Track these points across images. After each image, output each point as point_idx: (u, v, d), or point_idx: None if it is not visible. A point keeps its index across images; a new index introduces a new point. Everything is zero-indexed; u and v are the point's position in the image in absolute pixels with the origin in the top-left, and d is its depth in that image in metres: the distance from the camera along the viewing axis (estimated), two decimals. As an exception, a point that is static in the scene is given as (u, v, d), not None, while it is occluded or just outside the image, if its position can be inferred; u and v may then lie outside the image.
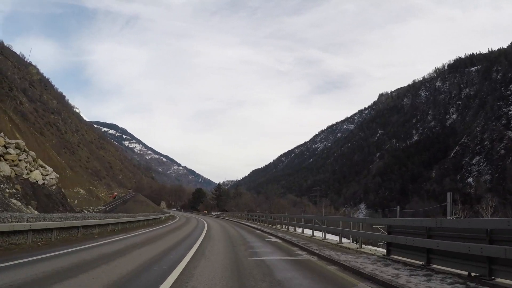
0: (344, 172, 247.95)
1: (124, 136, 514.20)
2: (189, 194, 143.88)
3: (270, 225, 40.16)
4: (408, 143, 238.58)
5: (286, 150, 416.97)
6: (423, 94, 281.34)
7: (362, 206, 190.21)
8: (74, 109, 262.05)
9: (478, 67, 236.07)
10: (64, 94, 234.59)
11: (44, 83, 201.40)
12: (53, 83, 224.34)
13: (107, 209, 44.79)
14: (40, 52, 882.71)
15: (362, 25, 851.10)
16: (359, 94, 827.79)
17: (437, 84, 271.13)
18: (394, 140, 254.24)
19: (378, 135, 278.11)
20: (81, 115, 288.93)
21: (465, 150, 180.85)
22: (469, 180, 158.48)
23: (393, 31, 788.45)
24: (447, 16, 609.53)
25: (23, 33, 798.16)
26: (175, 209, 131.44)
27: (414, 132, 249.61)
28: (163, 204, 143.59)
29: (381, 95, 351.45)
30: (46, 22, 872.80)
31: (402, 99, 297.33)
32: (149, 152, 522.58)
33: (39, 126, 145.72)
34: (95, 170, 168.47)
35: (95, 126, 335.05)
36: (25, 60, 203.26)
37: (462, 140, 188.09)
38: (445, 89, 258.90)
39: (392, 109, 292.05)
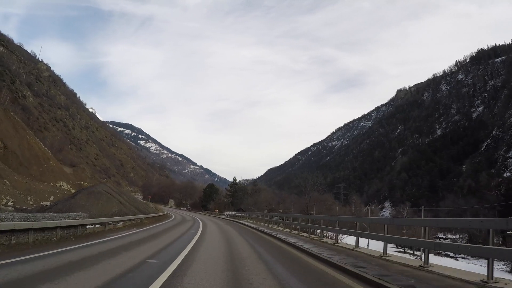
0: (365, 169, 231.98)
1: (140, 136, 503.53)
2: (201, 191, 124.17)
3: (297, 232, 26.45)
4: (431, 137, 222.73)
5: (302, 149, 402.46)
6: (444, 88, 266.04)
7: (387, 204, 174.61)
8: (90, 109, 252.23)
9: (504, 57, 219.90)
10: (75, 91, 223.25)
11: (54, 80, 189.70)
12: (64, 81, 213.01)
13: (44, 205, 30.63)
14: (56, 54, 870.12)
15: (377, 23, 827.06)
16: (375, 92, 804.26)
17: (459, 77, 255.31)
18: (417, 135, 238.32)
19: (399, 130, 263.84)
20: (97, 115, 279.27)
21: (497, 143, 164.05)
22: (506, 174, 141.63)
23: (408, 28, 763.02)
24: (463, 11, 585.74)
25: (39, 35, 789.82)
26: (185, 208, 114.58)
27: (437, 126, 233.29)
28: (171, 202, 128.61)
29: (399, 91, 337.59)
30: (61, 25, 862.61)
31: (422, 94, 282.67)
32: (165, 151, 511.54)
33: (44, 121, 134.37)
34: (104, 167, 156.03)
35: (111, 126, 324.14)
36: (37, 58, 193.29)
37: (494, 133, 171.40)
38: (468, 82, 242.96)
39: (412, 104, 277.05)
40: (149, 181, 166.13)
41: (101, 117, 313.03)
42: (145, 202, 62.74)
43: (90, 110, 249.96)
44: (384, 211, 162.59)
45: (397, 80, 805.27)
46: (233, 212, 68.94)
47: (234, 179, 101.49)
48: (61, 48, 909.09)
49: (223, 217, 66.69)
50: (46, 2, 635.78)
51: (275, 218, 39.32)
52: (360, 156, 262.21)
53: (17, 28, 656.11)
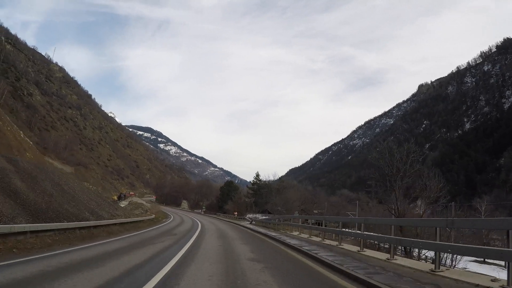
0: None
1: (159, 139, 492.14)
2: (218, 191, 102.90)
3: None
4: (460, 131, 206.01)
5: (323, 148, 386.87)
6: (469, 81, 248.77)
7: (419, 202, 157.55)
8: (109, 114, 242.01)
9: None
10: (92, 94, 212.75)
11: (67, 81, 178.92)
12: (79, 82, 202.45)
13: None
14: (74, 60, 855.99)
15: (394, 20, 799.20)
16: (394, 89, 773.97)
17: (485, 68, 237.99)
18: (444, 130, 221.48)
19: (424, 125, 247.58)
20: (116, 119, 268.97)
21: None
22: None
23: (425, 24, 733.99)
24: (480, 6, 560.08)
25: (57, 41, 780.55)
26: (200, 210, 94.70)
27: (465, 119, 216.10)
28: (184, 204, 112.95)
29: (421, 86, 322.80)
30: (79, 31, 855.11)
31: (446, 88, 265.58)
32: (185, 154, 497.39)
33: (51, 119, 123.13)
34: (117, 168, 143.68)
35: (130, 129, 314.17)
36: (50, 60, 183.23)
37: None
38: (496, 72, 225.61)
39: (436, 99, 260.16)
40: (162, 182, 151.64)
41: (120, 120, 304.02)
42: (143, 202, 49.13)
43: (109, 114, 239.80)
44: (416, 211, 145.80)
45: (416, 77, 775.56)
46: (261, 216, 51.96)
47: (257, 175, 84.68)
48: (80, 53, 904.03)
49: (246, 223, 45.05)
50: (63, 9, 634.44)
51: (311, 223, 25.60)
52: (385, 153, 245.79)
53: (35, 35, 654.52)
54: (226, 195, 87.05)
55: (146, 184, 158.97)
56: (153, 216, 38.09)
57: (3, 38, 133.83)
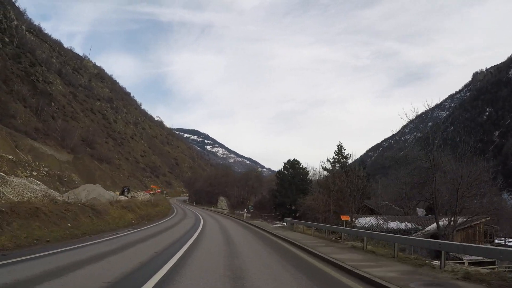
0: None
1: (206, 141, 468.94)
2: (272, 182, 67.45)
3: None
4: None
5: (373, 145, 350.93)
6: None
7: (507, 196, 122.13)
8: (156, 118, 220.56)
9: None
10: (128, 90, 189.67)
11: (102, 77, 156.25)
12: (117, 81, 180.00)
13: None
14: (121, 68, 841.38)
15: (437, 12, 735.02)
16: (443, 82, 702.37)
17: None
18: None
19: (487, 113, 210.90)
20: (164, 123, 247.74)
21: None
22: None
23: (471, 14, 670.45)
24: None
25: (104, 51, 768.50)
26: (245, 211, 51.79)
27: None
28: (222, 202, 77.40)
29: (475, 74, 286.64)
30: (124, 39, 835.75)
31: (506, 72, 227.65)
32: (232, 155, 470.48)
33: (72, 110, 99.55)
34: (152, 165, 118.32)
35: (177, 132, 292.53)
36: (85, 57, 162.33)
37: None
38: None
39: (497, 84, 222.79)
40: (195, 175, 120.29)
41: (167, 124, 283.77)
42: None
43: (155, 118, 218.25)
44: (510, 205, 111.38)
45: (465, 67, 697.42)
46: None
47: (340, 147, 42.06)
48: (126, 61, 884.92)
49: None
50: (108, 18, 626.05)
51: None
52: (446, 145, 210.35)
53: (82, 45, 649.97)
54: (288, 184, 51.27)
55: (186, 183, 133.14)
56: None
57: (23, 27, 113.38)
